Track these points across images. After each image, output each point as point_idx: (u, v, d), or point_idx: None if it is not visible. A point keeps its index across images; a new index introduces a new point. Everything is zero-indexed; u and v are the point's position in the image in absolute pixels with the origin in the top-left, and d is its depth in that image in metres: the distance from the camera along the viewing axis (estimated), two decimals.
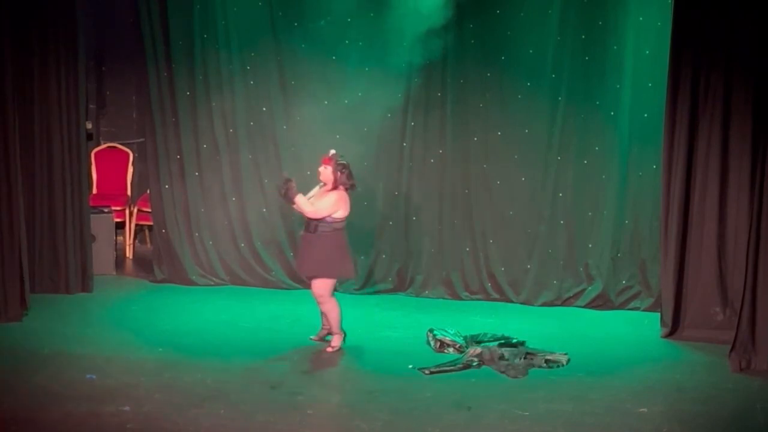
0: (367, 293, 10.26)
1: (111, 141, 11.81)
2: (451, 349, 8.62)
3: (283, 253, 10.33)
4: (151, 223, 10.94)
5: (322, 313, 8.70)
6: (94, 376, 7.86)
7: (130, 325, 9.17)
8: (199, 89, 10.25)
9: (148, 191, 10.81)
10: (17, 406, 7.28)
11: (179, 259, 10.44)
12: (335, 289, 8.66)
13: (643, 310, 9.81)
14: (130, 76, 11.32)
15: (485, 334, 8.83)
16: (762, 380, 8.11)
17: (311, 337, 8.85)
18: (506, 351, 8.38)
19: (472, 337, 8.79)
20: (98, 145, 11.73)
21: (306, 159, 9.91)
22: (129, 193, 11.59)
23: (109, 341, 8.74)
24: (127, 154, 11.62)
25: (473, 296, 10.20)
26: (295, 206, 8.55)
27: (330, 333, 8.71)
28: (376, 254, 10.30)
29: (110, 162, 11.64)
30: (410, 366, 8.25)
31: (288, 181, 8.50)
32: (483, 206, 10.11)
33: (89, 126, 10.98)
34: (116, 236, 10.92)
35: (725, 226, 8.98)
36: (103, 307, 9.67)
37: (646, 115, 9.61)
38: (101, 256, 10.49)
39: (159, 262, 10.52)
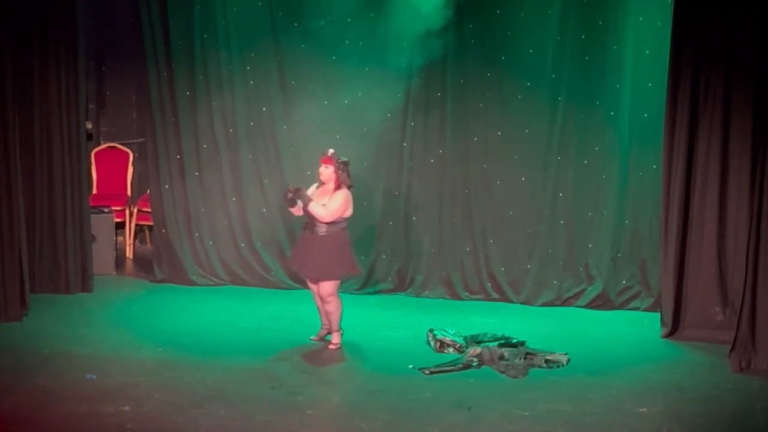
0: (367, 293, 10.26)
1: (111, 141, 11.81)
2: (451, 349, 8.61)
3: (283, 253, 10.31)
4: (151, 223, 10.94)
5: (322, 313, 8.70)
6: (94, 376, 7.85)
7: (130, 325, 9.16)
8: (199, 89, 10.25)
9: (148, 191, 10.81)
10: (17, 406, 7.27)
11: (179, 259, 10.44)
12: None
13: (643, 310, 9.80)
14: (130, 76, 11.32)
15: (485, 334, 8.83)
16: (762, 380, 8.10)
17: (311, 337, 8.84)
18: (506, 351, 8.38)
19: (472, 337, 8.78)
20: (98, 145, 11.73)
21: (306, 159, 9.91)
22: (129, 193, 11.58)
23: (109, 341, 8.73)
24: (127, 154, 11.61)
25: (473, 296, 10.20)
26: (296, 211, 8.52)
27: (330, 332, 8.71)
28: (376, 254, 10.30)
29: (110, 162, 11.63)
30: (410, 366, 8.25)
31: (298, 189, 8.47)
32: (483, 206, 10.11)
33: (89, 126, 10.98)
34: (116, 236, 10.91)
35: (725, 226, 8.98)
36: (103, 307, 9.66)
37: (646, 115, 9.61)
38: (101, 256, 10.49)
39: (159, 262, 10.52)
